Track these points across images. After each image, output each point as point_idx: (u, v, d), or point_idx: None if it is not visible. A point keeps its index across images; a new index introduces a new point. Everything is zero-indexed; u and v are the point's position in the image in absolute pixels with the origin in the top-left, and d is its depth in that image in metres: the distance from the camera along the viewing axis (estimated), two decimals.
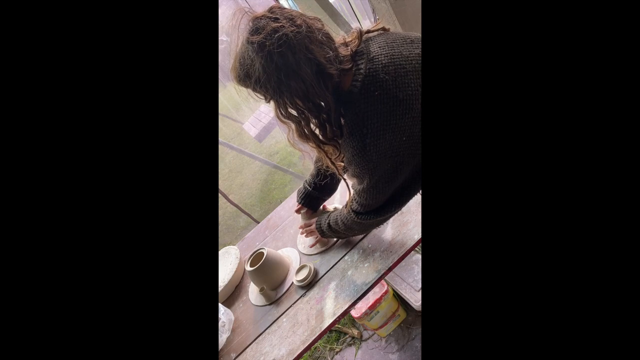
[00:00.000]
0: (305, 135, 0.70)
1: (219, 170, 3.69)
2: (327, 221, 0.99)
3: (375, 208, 0.79)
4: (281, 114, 0.68)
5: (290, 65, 0.61)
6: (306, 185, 1.08)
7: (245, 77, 0.64)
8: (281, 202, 1.52)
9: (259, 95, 0.68)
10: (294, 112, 0.68)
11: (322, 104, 0.66)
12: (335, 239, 1.09)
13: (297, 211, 1.12)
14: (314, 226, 1.05)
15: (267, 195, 3.09)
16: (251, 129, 3.39)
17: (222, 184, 3.75)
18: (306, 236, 1.10)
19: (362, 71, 0.65)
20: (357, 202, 0.80)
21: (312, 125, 0.70)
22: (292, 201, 1.46)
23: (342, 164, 0.78)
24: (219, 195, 2.24)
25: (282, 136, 3.55)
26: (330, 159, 0.73)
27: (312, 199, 1.08)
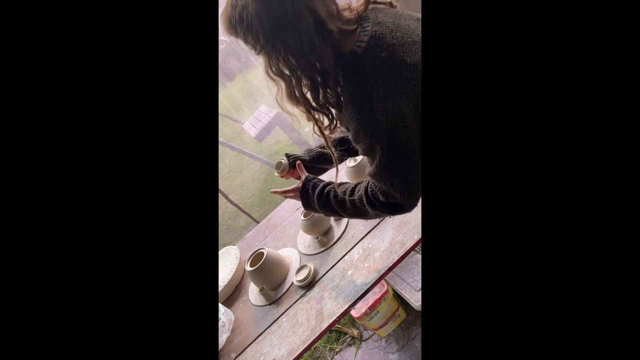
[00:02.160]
0: (295, 97, 0.65)
1: (219, 170, 3.70)
2: (322, 187, 0.84)
3: (394, 202, 0.70)
4: (271, 70, 0.63)
5: (286, 12, 0.56)
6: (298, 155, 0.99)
7: (237, 23, 0.59)
8: (281, 202, 1.52)
9: (249, 45, 0.62)
10: (285, 71, 0.62)
11: (317, 64, 0.61)
12: (333, 240, 1.09)
13: (283, 175, 0.99)
14: (299, 184, 0.88)
15: (267, 195, 3.09)
16: (251, 129, 3.39)
17: (222, 184, 3.75)
18: (283, 194, 0.92)
19: (367, 32, 0.61)
20: (374, 186, 0.71)
21: (303, 88, 0.64)
22: (292, 201, 1.45)
23: (333, 136, 0.71)
24: (219, 195, 2.25)
25: (282, 136, 3.56)
26: (320, 127, 0.69)
27: (297, 160, 0.96)
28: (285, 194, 0.90)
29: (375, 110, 0.60)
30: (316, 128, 0.69)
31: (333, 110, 0.67)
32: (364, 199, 0.73)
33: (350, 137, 0.67)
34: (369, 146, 0.65)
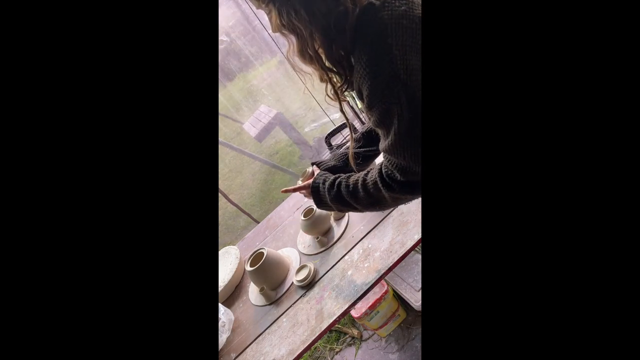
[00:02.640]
0: (307, 54, 0.61)
1: (219, 170, 3.69)
2: (333, 179, 0.79)
3: (414, 180, 0.63)
4: (282, 23, 0.59)
5: None
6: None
7: None
8: (281, 202, 1.52)
9: (257, 1, 0.60)
10: (297, 24, 0.59)
11: (331, 15, 0.58)
12: (333, 240, 1.09)
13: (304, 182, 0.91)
14: (309, 181, 0.84)
15: (267, 195, 3.09)
16: (251, 129, 3.39)
17: (222, 184, 3.75)
18: (295, 191, 0.91)
19: None
20: (389, 163, 0.64)
21: (316, 44, 0.61)
22: (292, 201, 1.46)
23: (346, 99, 0.69)
24: (219, 195, 2.25)
25: (282, 136, 3.56)
26: (334, 86, 0.65)
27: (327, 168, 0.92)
28: (298, 190, 0.87)
29: (394, 62, 0.55)
30: (329, 88, 0.66)
31: (347, 72, 0.63)
32: (379, 182, 0.67)
33: (364, 105, 0.63)
34: (386, 108, 0.58)
